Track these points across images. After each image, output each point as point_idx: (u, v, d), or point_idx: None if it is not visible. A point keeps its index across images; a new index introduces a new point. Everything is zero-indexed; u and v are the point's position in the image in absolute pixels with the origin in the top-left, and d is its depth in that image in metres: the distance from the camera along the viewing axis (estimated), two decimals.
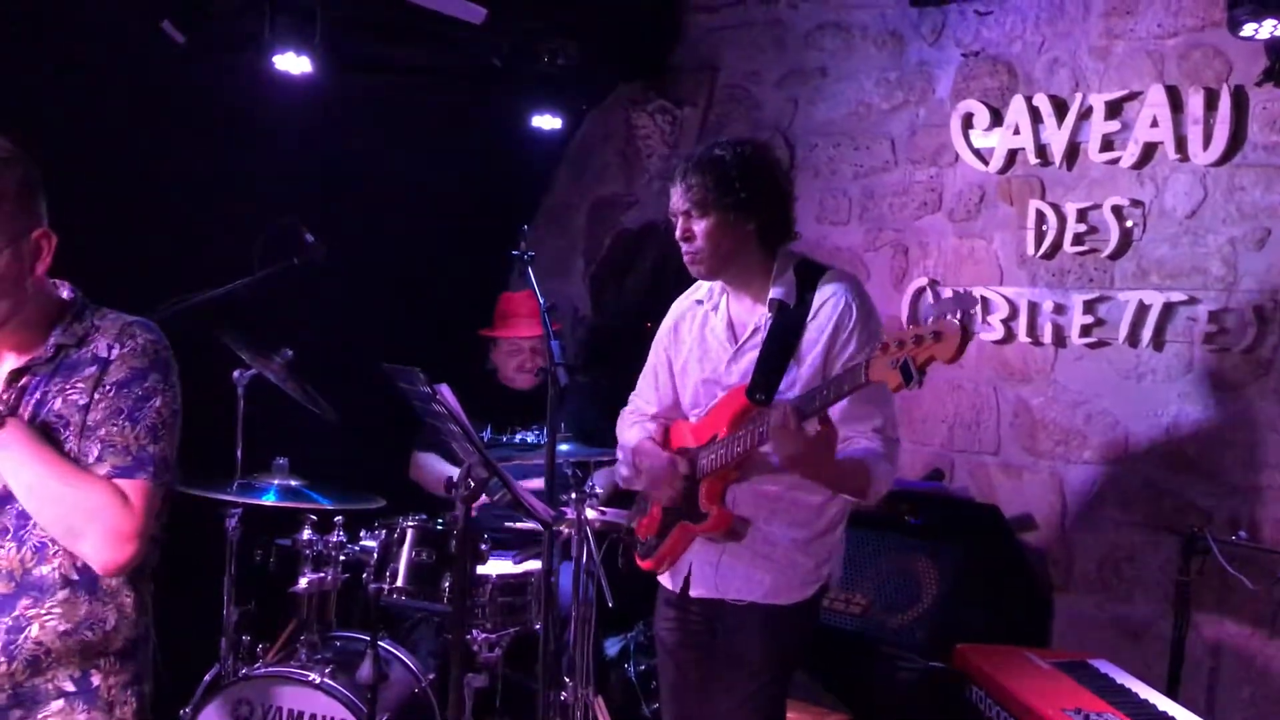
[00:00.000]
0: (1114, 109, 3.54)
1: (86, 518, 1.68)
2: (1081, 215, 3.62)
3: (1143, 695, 2.66)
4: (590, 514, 2.95)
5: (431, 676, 3.35)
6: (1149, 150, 3.48)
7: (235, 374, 3.36)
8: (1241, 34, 3.11)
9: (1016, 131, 3.75)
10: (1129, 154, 3.50)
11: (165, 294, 3.03)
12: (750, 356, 2.49)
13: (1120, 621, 3.53)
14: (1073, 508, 3.66)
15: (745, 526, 2.48)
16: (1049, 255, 3.70)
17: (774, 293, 2.48)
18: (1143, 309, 3.48)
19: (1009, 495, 3.78)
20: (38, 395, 1.74)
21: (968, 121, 3.88)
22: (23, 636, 1.71)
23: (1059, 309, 3.68)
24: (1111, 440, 3.58)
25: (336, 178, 3.96)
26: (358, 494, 3.42)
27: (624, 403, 2.89)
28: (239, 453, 3.35)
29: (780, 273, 2.50)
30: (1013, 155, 3.79)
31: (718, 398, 2.55)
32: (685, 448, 2.59)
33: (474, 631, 3.28)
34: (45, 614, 1.72)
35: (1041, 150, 3.71)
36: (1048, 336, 3.70)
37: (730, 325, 2.57)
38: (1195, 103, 3.36)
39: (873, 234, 4.21)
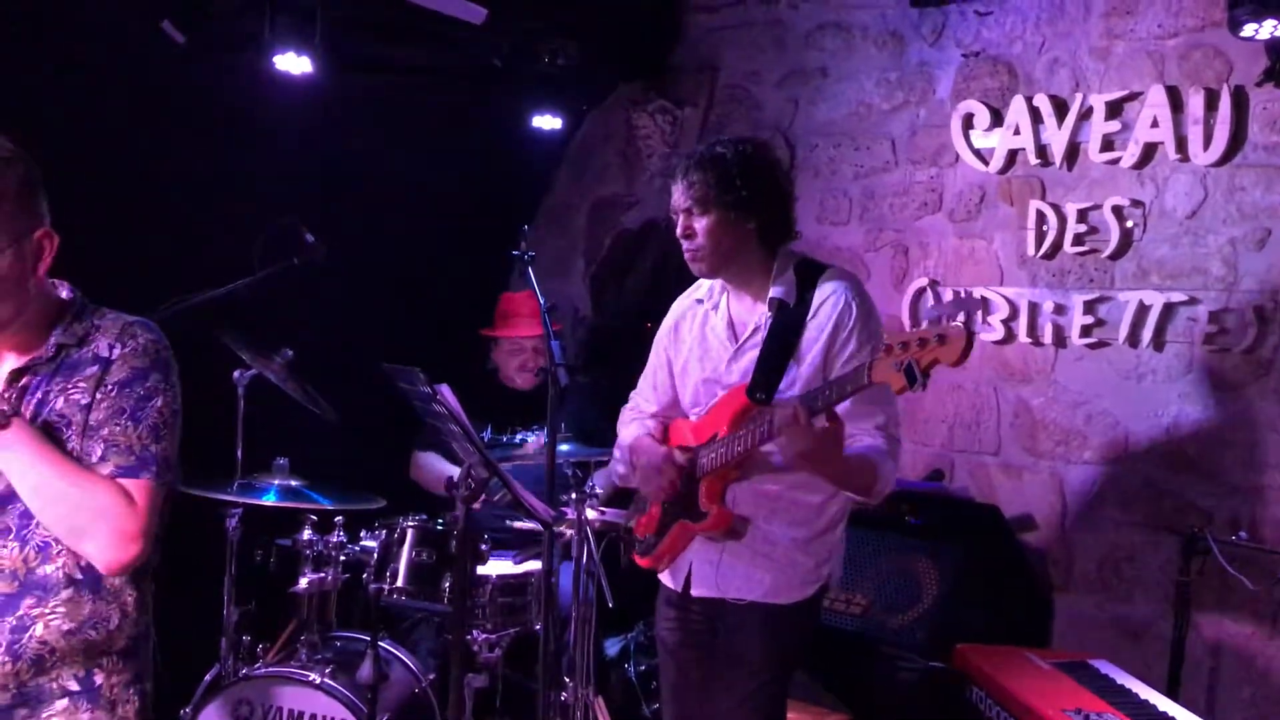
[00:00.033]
0: (1114, 109, 3.54)
1: (92, 518, 1.68)
2: (1082, 215, 3.62)
3: (1143, 695, 2.66)
4: (590, 514, 2.95)
5: (432, 676, 3.35)
6: (1149, 150, 3.48)
7: (235, 374, 3.36)
8: (1242, 34, 3.11)
9: (1017, 132, 3.75)
10: (1129, 154, 3.50)
11: (165, 294, 3.02)
12: (750, 355, 2.49)
13: (1120, 622, 3.53)
14: (1073, 508, 3.66)
15: (745, 525, 2.49)
16: (1049, 255, 3.70)
17: (774, 291, 2.48)
18: (1143, 309, 3.48)
19: (1009, 495, 3.78)
20: (39, 395, 1.74)
21: (968, 122, 3.88)
22: (27, 636, 1.71)
23: (1059, 309, 3.68)
24: (1112, 440, 3.58)
25: (336, 178, 3.96)
26: (358, 494, 3.42)
27: (624, 403, 2.89)
28: (239, 453, 3.35)
29: (780, 272, 2.50)
30: (1013, 155, 3.79)
31: (718, 397, 2.55)
32: (685, 446, 2.59)
33: (474, 632, 3.28)
34: (49, 613, 1.72)
35: (1042, 150, 3.71)
36: (1048, 337, 3.70)
37: (730, 324, 2.57)
38: (1195, 103, 3.36)
39: (873, 234, 4.21)
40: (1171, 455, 3.45)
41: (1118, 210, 3.54)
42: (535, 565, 3.34)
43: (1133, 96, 3.51)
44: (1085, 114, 3.61)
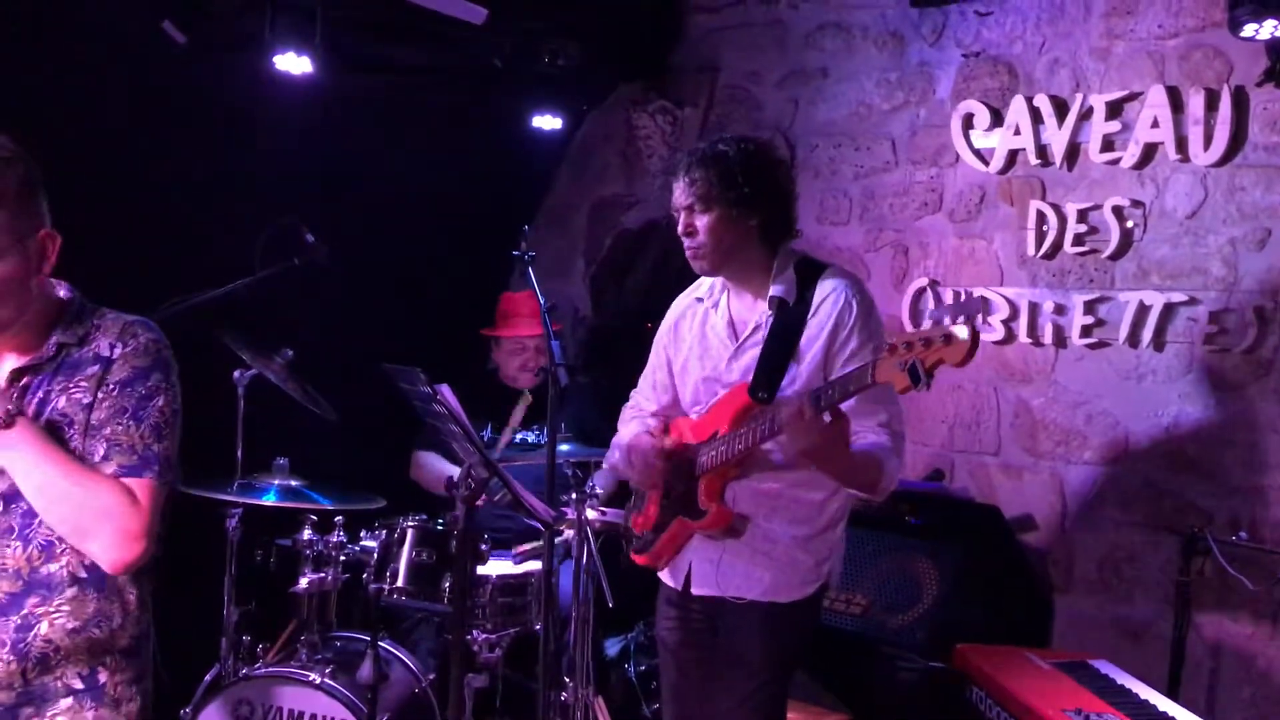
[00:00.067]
0: (1114, 109, 3.54)
1: (97, 517, 1.69)
2: (1082, 216, 3.62)
3: (1143, 696, 2.66)
4: (590, 514, 2.95)
5: (432, 677, 3.35)
6: (1149, 151, 3.48)
7: (236, 374, 3.37)
8: (1242, 34, 3.11)
9: (1017, 132, 3.75)
10: (1129, 154, 3.50)
11: (165, 294, 3.03)
12: (751, 354, 2.49)
13: (1121, 622, 3.53)
14: (1073, 508, 3.66)
15: (744, 524, 2.49)
16: (1049, 256, 3.70)
17: (774, 290, 2.48)
18: (1143, 309, 3.48)
19: (1009, 496, 3.78)
20: (40, 394, 1.74)
21: (968, 122, 3.88)
22: (32, 635, 1.72)
23: (1059, 309, 3.68)
24: (1112, 441, 3.58)
25: (337, 178, 3.96)
26: (358, 494, 3.42)
27: (624, 403, 2.89)
28: (239, 453, 3.36)
29: (781, 270, 2.50)
30: (1013, 156, 3.79)
31: (718, 395, 2.55)
32: (685, 444, 2.59)
33: (474, 632, 3.28)
34: (54, 612, 1.73)
35: (1042, 151, 3.71)
36: (1048, 337, 3.70)
37: (731, 323, 2.57)
38: (1196, 103, 3.36)
39: (873, 234, 4.21)
40: (1172, 455, 3.45)
41: (1118, 210, 3.54)
42: (535, 565, 3.34)
43: (1133, 97, 3.51)
44: (1085, 114, 3.61)
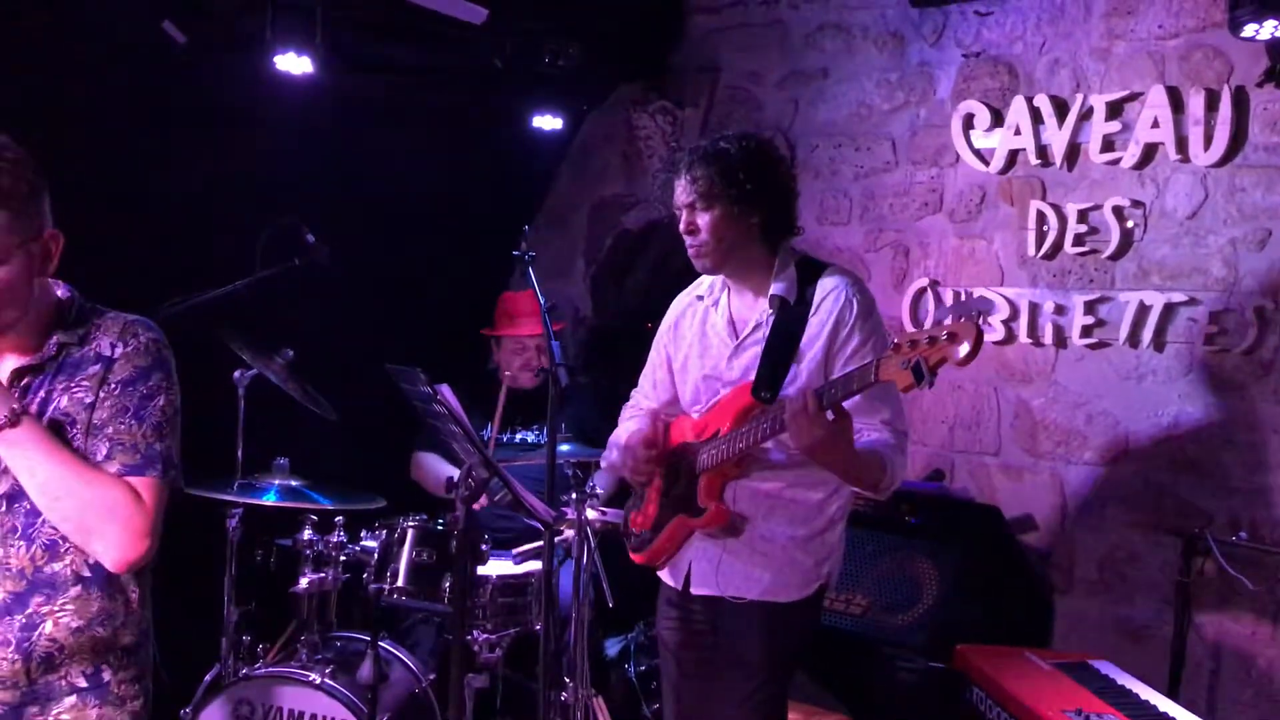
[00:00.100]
0: (1115, 110, 3.54)
1: (102, 516, 1.69)
2: (1082, 216, 3.62)
3: (1144, 696, 2.66)
4: (590, 514, 2.95)
5: (432, 677, 3.35)
6: (1150, 151, 3.48)
7: (236, 374, 3.37)
8: (1242, 35, 3.11)
9: (1017, 132, 3.75)
10: (1130, 155, 3.50)
11: (165, 294, 3.03)
12: (751, 352, 2.49)
13: (1121, 622, 3.53)
14: (1073, 508, 3.66)
15: (743, 523, 2.49)
16: (1050, 256, 3.70)
17: (775, 288, 2.48)
18: (1143, 310, 3.48)
19: (1009, 496, 3.78)
20: (42, 394, 1.74)
21: (968, 122, 3.88)
22: (37, 634, 1.72)
23: (1060, 310, 3.68)
24: (1112, 441, 3.58)
25: (337, 178, 3.96)
26: (358, 494, 3.42)
27: (624, 403, 2.90)
28: (240, 453, 3.36)
29: (782, 268, 2.50)
30: (1013, 156, 3.79)
31: (719, 393, 2.55)
32: (686, 443, 2.59)
33: (474, 632, 3.28)
34: (59, 611, 1.73)
35: (1042, 151, 3.71)
36: (1048, 337, 3.70)
37: (731, 321, 2.57)
38: (1196, 103, 3.36)
39: (873, 234, 4.21)
40: (1172, 456, 3.45)
41: (1118, 211, 3.54)
42: (535, 565, 3.34)
43: (1133, 97, 3.51)
44: (1086, 114, 3.61)
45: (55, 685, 1.75)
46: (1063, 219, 3.65)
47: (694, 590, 2.57)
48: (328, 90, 3.74)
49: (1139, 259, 3.53)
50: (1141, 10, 3.53)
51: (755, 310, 2.53)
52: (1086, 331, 3.61)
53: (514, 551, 3.37)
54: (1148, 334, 3.48)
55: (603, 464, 2.86)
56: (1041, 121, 3.70)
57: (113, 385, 1.75)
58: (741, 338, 2.53)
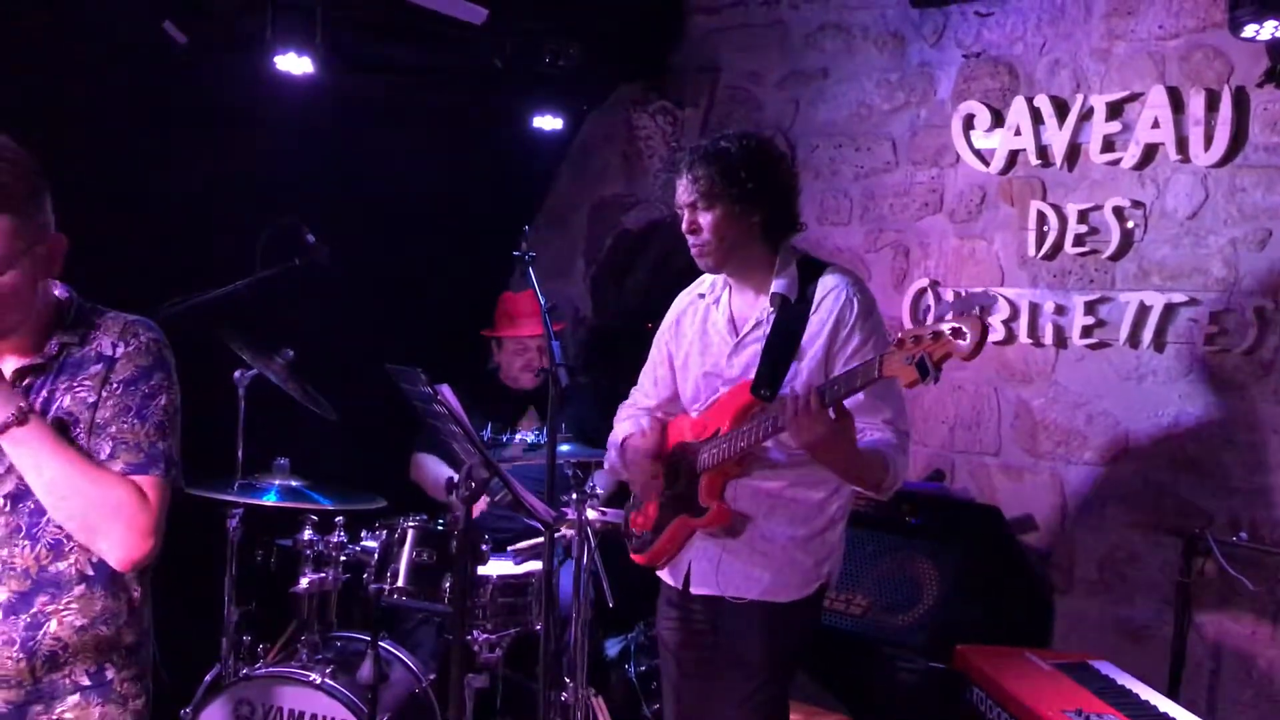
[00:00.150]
0: (1115, 110, 3.54)
1: (107, 514, 1.69)
2: (1082, 216, 3.62)
3: (1144, 696, 2.66)
4: (590, 514, 2.95)
5: (432, 677, 3.35)
6: (1150, 151, 3.48)
7: (236, 374, 3.37)
8: (1243, 35, 3.11)
9: (1018, 132, 3.75)
10: (1130, 155, 3.50)
11: (165, 294, 3.03)
12: (752, 350, 2.49)
13: (1121, 623, 3.53)
14: (1073, 509, 3.66)
15: (744, 522, 2.49)
16: (1050, 256, 3.70)
17: (776, 286, 2.49)
18: (1144, 310, 3.48)
19: (1010, 496, 3.78)
20: (44, 394, 1.74)
21: (969, 122, 3.88)
22: (41, 633, 1.73)
23: (1060, 310, 3.68)
24: (1112, 441, 3.58)
25: (337, 178, 3.96)
26: (358, 494, 3.42)
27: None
28: (240, 453, 3.36)
29: (783, 267, 2.51)
30: (1014, 156, 3.79)
31: (719, 391, 2.55)
32: (685, 442, 2.59)
33: (474, 632, 3.28)
34: (63, 610, 1.74)
35: (1042, 151, 3.71)
36: (1049, 337, 3.70)
37: (731, 319, 2.58)
38: (1196, 104, 3.36)
39: (873, 235, 4.21)
40: (1172, 456, 3.45)
41: (1118, 211, 3.54)
42: (535, 565, 3.34)
43: (1133, 97, 3.51)
44: (1086, 115, 3.61)
45: (59, 684, 1.76)
46: (1063, 219, 3.65)
47: (694, 590, 2.57)
48: (328, 90, 3.74)
49: (1139, 259, 3.53)
50: (1142, 10, 3.53)
51: (756, 308, 2.53)
52: (1087, 332, 3.61)
53: (511, 549, 3.37)
54: (1148, 334, 3.48)
55: (605, 466, 2.86)
56: (1042, 122, 3.70)
57: (115, 385, 1.75)
58: (742, 335, 2.53)
